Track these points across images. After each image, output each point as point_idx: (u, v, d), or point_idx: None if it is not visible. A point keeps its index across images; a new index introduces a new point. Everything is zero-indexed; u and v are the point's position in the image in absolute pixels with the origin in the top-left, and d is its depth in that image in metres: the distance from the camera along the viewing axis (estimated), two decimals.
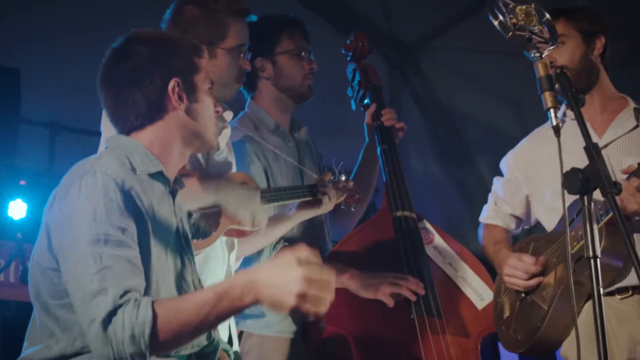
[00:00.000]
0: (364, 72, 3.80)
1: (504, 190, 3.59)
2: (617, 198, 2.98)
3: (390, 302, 3.28)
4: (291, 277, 2.03)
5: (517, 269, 3.31)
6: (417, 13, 5.31)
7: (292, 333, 3.35)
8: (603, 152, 3.25)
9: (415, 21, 5.44)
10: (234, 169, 3.15)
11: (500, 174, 3.65)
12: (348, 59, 3.87)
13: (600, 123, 3.37)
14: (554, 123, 2.47)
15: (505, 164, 3.63)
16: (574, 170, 2.40)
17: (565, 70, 2.53)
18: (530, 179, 3.49)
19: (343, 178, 3.33)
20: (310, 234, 3.45)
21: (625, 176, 3.09)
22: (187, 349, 2.32)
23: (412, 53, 5.70)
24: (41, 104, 4.75)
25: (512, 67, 4.62)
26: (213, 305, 2.07)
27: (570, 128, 3.39)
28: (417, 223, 3.50)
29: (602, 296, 2.32)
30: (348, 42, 3.85)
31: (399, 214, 3.48)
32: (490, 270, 3.56)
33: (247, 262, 3.26)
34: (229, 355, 2.59)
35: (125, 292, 2.08)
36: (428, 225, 3.56)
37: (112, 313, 2.05)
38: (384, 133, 3.64)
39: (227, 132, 3.12)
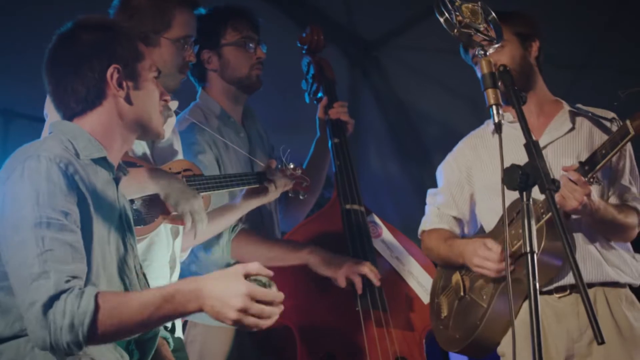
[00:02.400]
0: (318, 65, 3.83)
1: (444, 196, 3.54)
2: (558, 195, 3.05)
3: (342, 283, 3.29)
4: (234, 291, 2.05)
5: (488, 254, 3.22)
6: (379, 11, 5.32)
7: None
8: (542, 153, 3.33)
9: (376, 19, 5.45)
10: (180, 157, 3.16)
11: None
12: (303, 52, 3.89)
13: (536, 127, 3.40)
14: (496, 120, 2.51)
15: (442, 170, 3.59)
16: (514, 166, 2.43)
17: (508, 68, 2.54)
18: (470, 179, 3.50)
19: (291, 166, 3.34)
20: (259, 224, 3.46)
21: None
22: None
23: (373, 51, 5.71)
24: None
25: (471, 66, 4.67)
26: (157, 307, 2.08)
27: (508, 130, 3.44)
28: (365, 216, 3.53)
29: (538, 293, 2.35)
30: (304, 35, 3.88)
31: (347, 206, 3.51)
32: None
33: (207, 248, 3.28)
34: (168, 342, 2.61)
35: (69, 279, 2.09)
36: (376, 219, 3.59)
37: (54, 298, 2.05)
38: (336, 127, 3.68)
39: (172, 120, 3.13)
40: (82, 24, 2.40)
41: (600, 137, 3.32)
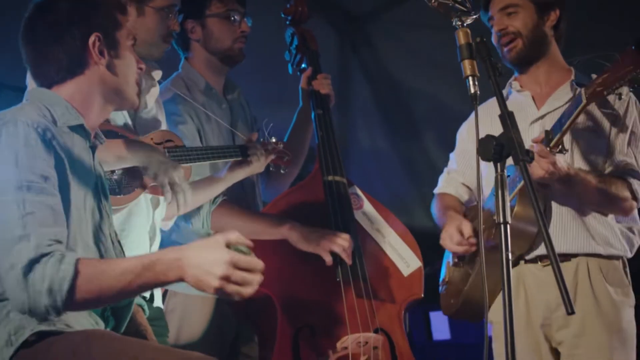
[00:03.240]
0: (302, 36, 3.82)
1: (457, 161, 3.65)
2: None
3: (328, 258, 3.30)
4: (216, 259, 2.07)
5: (449, 237, 3.38)
6: None
7: None
8: (539, 122, 3.35)
9: None
10: (163, 127, 3.16)
11: (447, 148, 3.70)
12: (287, 22, 3.89)
13: (541, 95, 3.45)
14: (472, 91, 2.52)
15: (459, 135, 3.68)
16: (489, 137, 2.44)
17: (485, 40, 2.55)
18: (489, 131, 3.51)
19: (273, 140, 3.35)
20: (240, 195, 3.47)
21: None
22: None
23: (363, 25, 5.70)
24: None
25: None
26: (137, 275, 2.09)
27: (515, 98, 3.46)
28: (347, 188, 3.53)
29: (510, 263, 2.36)
30: (288, 6, 3.87)
31: (329, 178, 3.50)
32: (419, 239, 3.62)
33: (187, 218, 3.29)
34: (143, 309, 2.63)
35: (51, 243, 2.10)
36: (358, 191, 3.59)
37: (35, 261, 2.07)
38: (319, 98, 3.67)
39: (155, 90, 3.13)
40: None
41: (598, 108, 3.35)
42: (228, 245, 2.10)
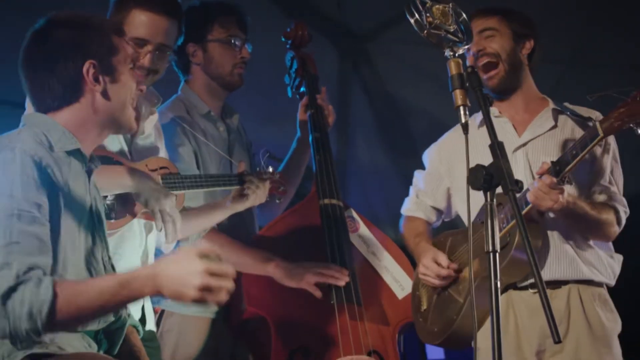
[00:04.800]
0: (302, 60, 3.86)
1: (425, 183, 3.69)
2: (531, 195, 3.12)
3: (316, 292, 3.36)
4: (191, 270, 2.12)
5: (430, 269, 3.44)
6: (369, 3, 5.35)
7: (212, 313, 3.41)
8: (522, 150, 3.39)
9: (366, 11, 5.47)
10: (162, 154, 3.20)
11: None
12: (287, 46, 3.92)
13: (520, 122, 3.48)
14: (463, 120, 2.55)
15: (427, 156, 3.73)
16: (479, 166, 2.47)
17: (476, 70, 2.58)
18: (451, 172, 3.59)
19: (270, 169, 3.40)
20: (237, 218, 3.49)
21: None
22: (94, 325, 2.39)
23: (364, 43, 5.73)
24: None
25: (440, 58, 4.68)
26: (113, 294, 2.15)
27: (496, 125, 3.50)
28: (343, 211, 3.56)
29: (499, 291, 2.39)
30: (288, 30, 3.91)
31: (326, 201, 3.54)
32: (412, 262, 3.65)
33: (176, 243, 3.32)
34: (138, 330, 2.66)
35: (29, 269, 2.13)
36: (354, 214, 3.63)
37: (13, 289, 2.10)
38: (317, 122, 3.71)
39: (154, 117, 3.18)
40: (54, 20, 2.44)
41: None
42: (200, 256, 2.15)
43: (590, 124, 3.37)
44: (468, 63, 3.48)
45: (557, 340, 2.33)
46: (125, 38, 2.52)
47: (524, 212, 3.19)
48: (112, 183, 2.78)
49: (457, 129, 3.63)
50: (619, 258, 3.45)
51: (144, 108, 3.16)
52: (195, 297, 2.12)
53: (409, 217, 3.72)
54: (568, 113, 3.46)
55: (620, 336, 3.36)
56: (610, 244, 3.44)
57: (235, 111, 3.73)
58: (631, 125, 3.05)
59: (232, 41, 3.56)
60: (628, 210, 3.40)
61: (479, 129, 3.45)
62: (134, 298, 2.19)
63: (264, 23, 4.57)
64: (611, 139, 3.42)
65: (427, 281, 3.47)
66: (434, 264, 3.42)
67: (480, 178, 2.44)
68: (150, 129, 3.15)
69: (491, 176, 2.44)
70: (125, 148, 3.04)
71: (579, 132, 3.39)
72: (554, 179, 3.12)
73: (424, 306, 3.51)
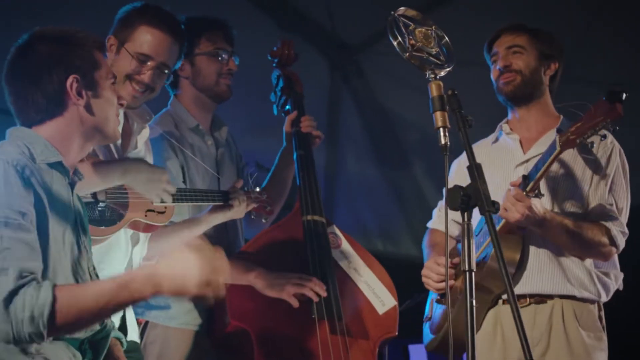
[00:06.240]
0: (287, 79, 3.92)
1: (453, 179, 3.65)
2: (501, 207, 3.18)
3: (294, 302, 3.41)
4: (190, 266, 2.19)
5: (432, 270, 3.49)
6: (360, 15, 5.39)
7: (196, 326, 3.45)
8: (523, 166, 3.45)
9: (358, 23, 5.51)
10: None
11: (436, 178, 3.80)
12: (274, 65, 3.98)
13: (528, 140, 3.56)
14: (443, 142, 2.61)
15: (452, 170, 3.74)
16: (457, 187, 2.53)
17: (456, 92, 2.64)
18: None
19: (257, 189, 3.46)
20: (222, 231, 3.55)
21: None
22: (80, 334, 2.43)
23: (354, 55, 5.77)
24: None
25: (450, 74, 4.71)
26: (113, 296, 2.20)
27: (505, 141, 3.57)
28: (325, 227, 3.62)
29: (474, 309, 2.46)
30: (275, 49, 3.96)
31: (309, 217, 3.60)
32: (394, 278, 3.70)
33: None
34: (121, 342, 2.70)
35: (27, 274, 2.18)
36: (337, 231, 3.68)
37: (14, 293, 2.15)
38: (301, 139, 3.76)
39: (145, 132, 3.24)
40: (38, 35, 2.48)
41: (579, 154, 3.43)
42: (195, 252, 2.21)
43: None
44: (492, 76, 3.59)
45: (529, 358, 2.39)
46: (105, 55, 2.58)
47: (500, 225, 3.27)
48: (108, 176, 2.84)
49: (479, 145, 3.68)
50: (618, 275, 3.48)
51: (136, 125, 3.22)
52: (196, 293, 2.19)
53: (431, 230, 3.80)
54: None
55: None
56: (614, 261, 3.47)
57: (225, 123, 3.78)
58: (589, 138, 3.11)
59: (219, 54, 3.61)
60: (626, 231, 3.42)
61: (492, 145, 3.60)
62: (134, 300, 2.23)
63: (256, 34, 4.62)
64: (617, 155, 3.46)
65: (426, 283, 3.52)
66: (434, 265, 3.49)
67: (457, 199, 2.51)
68: (141, 144, 3.21)
69: (469, 197, 2.50)
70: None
71: (578, 150, 3.43)
72: (521, 191, 3.19)
73: (429, 315, 3.62)
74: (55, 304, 2.16)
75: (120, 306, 2.27)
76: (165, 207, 3.11)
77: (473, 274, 2.47)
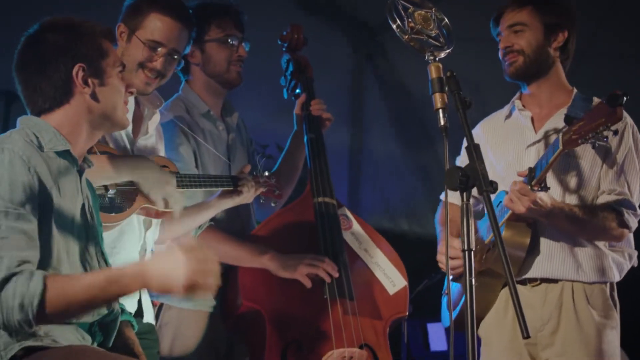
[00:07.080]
0: (297, 63, 3.94)
1: (463, 159, 3.63)
2: (506, 198, 3.20)
3: (307, 282, 3.46)
4: (178, 266, 2.25)
5: (451, 250, 3.46)
6: None
7: (210, 307, 3.51)
8: (535, 147, 3.43)
9: (381, 3, 5.52)
10: (161, 154, 3.32)
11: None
12: (283, 49, 4.01)
13: (540, 116, 3.53)
14: (442, 123, 2.64)
15: (464, 146, 3.70)
16: (455, 168, 2.56)
17: (454, 74, 2.66)
18: (491, 147, 3.60)
19: (266, 174, 3.50)
20: (234, 214, 3.60)
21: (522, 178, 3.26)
22: (89, 318, 2.51)
23: (377, 35, 5.76)
24: None
25: (473, 51, 4.65)
26: (102, 289, 2.28)
27: (517, 118, 3.57)
28: (336, 209, 3.66)
29: (474, 288, 2.49)
30: (284, 33, 3.99)
31: (320, 199, 3.64)
32: (404, 259, 3.74)
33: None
34: (132, 325, 2.77)
35: (20, 263, 2.26)
36: (347, 213, 3.71)
37: (5, 281, 2.23)
38: (312, 122, 3.79)
39: (156, 117, 3.30)
40: (47, 25, 2.55)
41: None
42: (186, 253, 2.27)
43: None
44: (500, 56, 3.53)
45: (526, 336, 2.42)
46: (113, 44, 2.63)
47: (509, 213, 3.28)
48: (115, 173, 2.89)
49: (485, 121, 3.67)
50: (632, 254, 3.47)
51: (147, 110, 3.28)
52: (182, 293, 2.25)
53: (443, 203, 3.73)
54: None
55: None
56: (629, 239, 3.45)
57: (235, 109, 3.82)
58: (590, 139, 3.08)
59: (229, 40, 3.64)
60: (638, 211, 3.40)
61: (505, 121, 3.57)
62: (122, 294, 2.32)
63: (279, 15, 4.63)
64: (630, 134, 3.42)
65: (442, 267, 3.54)
66: (451, 248, 3.44)
67: (456, 179, 2.53)
68: (152, 130, 3.27)
69: (467, 177, 2.53)
70: (128, 147, 3.16)
71: None
72: (525, 185, 3.19)
73: (447, 290, 3.62)
74: (45, 293, 2.23)
75: (110, 300, 2.40)
76: None
77: (469, 254, 2.49)
